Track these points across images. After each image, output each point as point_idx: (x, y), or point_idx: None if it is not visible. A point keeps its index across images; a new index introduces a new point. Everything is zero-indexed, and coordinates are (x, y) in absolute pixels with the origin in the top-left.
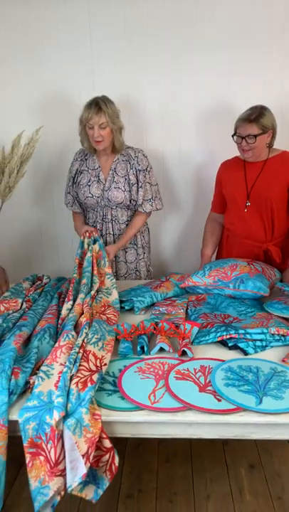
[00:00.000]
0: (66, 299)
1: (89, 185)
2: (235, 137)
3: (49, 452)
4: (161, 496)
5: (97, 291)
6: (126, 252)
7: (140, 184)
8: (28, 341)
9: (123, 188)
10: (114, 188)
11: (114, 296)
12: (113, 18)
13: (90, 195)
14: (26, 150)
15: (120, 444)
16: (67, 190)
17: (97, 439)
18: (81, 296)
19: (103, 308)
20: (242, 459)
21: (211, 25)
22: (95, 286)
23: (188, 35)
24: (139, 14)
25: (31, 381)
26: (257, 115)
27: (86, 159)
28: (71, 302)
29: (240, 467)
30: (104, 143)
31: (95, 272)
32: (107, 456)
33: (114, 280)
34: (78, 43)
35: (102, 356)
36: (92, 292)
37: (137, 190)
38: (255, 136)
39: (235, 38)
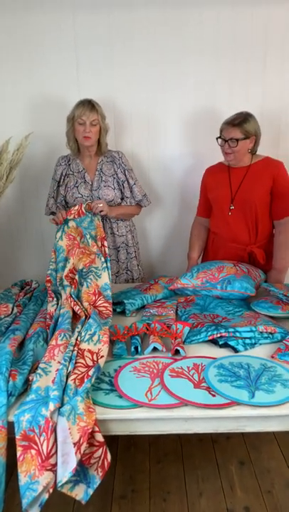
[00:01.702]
0: (49, 298)
1: (77, 187)
2: (219, 140)
3: (41, 445)
4: (155, 495)
5: (89, 271)
6: (118, 251)
7: (133, 182)
8: (21, 345)
9: (112, 187)
10: (104, 186)
11: (105, 279)
12: (98, 23)
13: (78, 195)
14: (15, 156)
15: (112, 445)
16: (50, 195)
17: (89, 430)
18: (66, 286)
19: (94, 298)
20: (232, 456)
21: (198, 30)
22: (76, 266)
23: (175, 40)
24: (124, 19)
25: (30, 378)
26: (241, 120)
27: (69, 164)
28: (55, 300)
29: (230, 464)
30: (92, 140)
31: (76, 253)
32: (100, 451)
33: (103, 259)
34: (64, 48)
35: (99, 349)
36: (75, 278)
37: (130, 188)
38: (238, 140)
39: (222, 43)
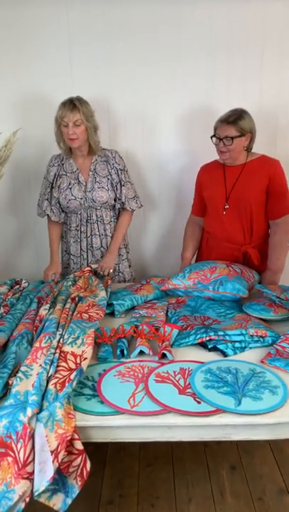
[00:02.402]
0: (44, 302)
1: (70, 188)
2: (213, 138)
3: (18, 452)
4: (143, 501)
5: (88, 297)
6: None
7: (123, 183)
8: (5, 347)
9: (106, 188)
10: (98, 188)
11: (101, 295)
12: (93, 20)
13: (72, 197)
14: (3, 152)
15: (101, 449)
16: (43, 197)
17: (68, 438)
18: (61, 301)
19: (87, 308)
20: (223, 460)
21: (193, 27)
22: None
23: (170, 37)
24: (119, 16)
25: (10, 382)
26: (236, 117)
27: (63, 164)
28: (49, 305)
29: (221, 469)
30: (79, 141)
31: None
32: (79, 459)
33: (102, 286)
34: (57, 44)
35: (83, 351)
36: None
37: (121, 189)
38: (232, 138)
39: (217, 40)
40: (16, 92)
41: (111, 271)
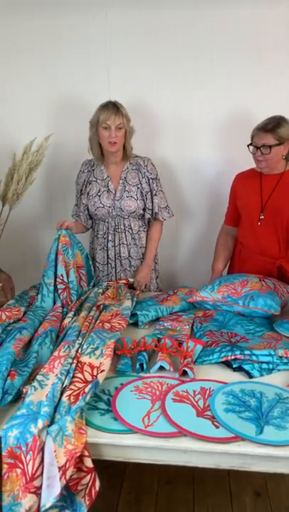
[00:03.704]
0: (69, 309)
1: (99, 196)
2: (250, 147)
3: (27, 465)
4: None
5: (113, 305)
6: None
7: (154, 192)
8: (28, 344)
9: (136, 197)
10: (127, 197)
11: (126, 304)
12: (131, 24)
13: (100, 205)
14: (35, 157)
15: (120, 462)
16: (75, 201)
17: (77, 454)
18: (86, 308)
19: (110, 317)
20: (247, 485)
21: (230, 32)
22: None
23: (208, 41)
24: (156, 21)
25: (24, 390)
26: (274, 125)
27: (93, 170)
28: (73, 312)
29: (244, 495)
30: (118, 145)
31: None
32: (88, 477)
33: (129, 296)
34: (94, 49)
35: (101, 363)
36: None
37: (151, 199)
38: (270, 146)
39: (255, 45)
40: (51, 98)
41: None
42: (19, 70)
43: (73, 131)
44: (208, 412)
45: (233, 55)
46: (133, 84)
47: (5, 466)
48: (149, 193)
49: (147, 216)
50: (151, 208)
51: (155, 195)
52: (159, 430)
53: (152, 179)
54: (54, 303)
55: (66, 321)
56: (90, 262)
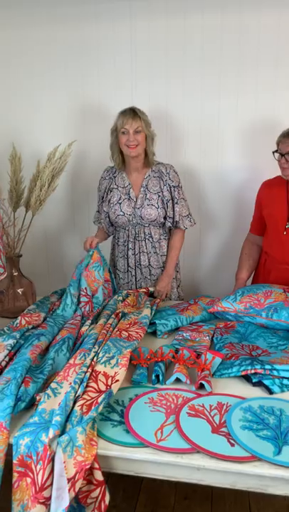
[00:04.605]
0: (88, 318)
1: (120, 203)
2: (275, 154)
3: (37, 474)
4: None
5: (132, 313)
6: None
7: (176, 200)
8: (46, 351)
9: (156, 205)
10: (148, 205)
11: (145, 313)
12: (156, 32)
13: (121, 213)
14: (58, 164)
15: None
16: (97, 208)
17: (87, 466)
18: (105, 316)
19: (128, 326)
20: (268, 505)
21: (256, 38)
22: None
23: (232, 48)
24: (181, 28)
25: (38, 398)
26: None
27: (115, 177)
28: (91, 321)
29: None
30: (139, 148)
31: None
32: (98, 491)
33: (149, 304)
34: (119, 56)
35: (116, 373)
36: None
37: (173, 207)
38: None
39: (282, 50)
40: (76, 105)
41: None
42: (45, 78)
43: (98, 139)
44: (224, 429)
45: (259, 62)
46: (158, 92)
47: (15, 475)
48: (171, 201)
49: (168, 224)
50: (172, 216)
51: (176, 203)
52: (171, 445)
53: (174, 187)
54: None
55: (84, 328)
56: (113, 276)
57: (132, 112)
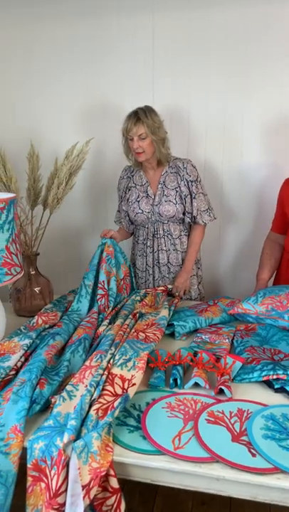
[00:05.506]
0: (105, 317)
1: (138, 202)
2: None
3: (51, 479)
4: None
5: (149, 314)
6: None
7: (194, 195)
8: (62, 351)
9: (174, 201)
10: (165, 201)
11: (163, 313)
12: (176, 31)
13: (139, 211)
14: (76, 162)
15: None
16: (118, 207)
17: (103, 473)
18: (122, 316)
19: (145, 327)
20: None
21: (279, 36)
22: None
23: (255, 44)
24: (202, 27)
25: (53, 400)
26: None
27: (133, 175)
28: (108, 321)
29: None
30: (145, 154)
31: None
32: (113, 498)
33: (167, 304)
34: (139, 54)
35: (132, 376)
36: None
37: (191, 202)
38: None
39: None
40: (95, 103)
41: (187, 291)
42: (64, 75)
43: (116, 136)
44: (245, 438)
45: (279, 58)
46: (178, 90)
47: (29, 479)
48: (189, 196)
49: (187, 220)
50: (190, 211)
51: (194, 197)
52: (189, 454)
53: (192, 181)
54: (90, 306)
55: (101, 329)
56: (133, 274)
57: (135, 118)
